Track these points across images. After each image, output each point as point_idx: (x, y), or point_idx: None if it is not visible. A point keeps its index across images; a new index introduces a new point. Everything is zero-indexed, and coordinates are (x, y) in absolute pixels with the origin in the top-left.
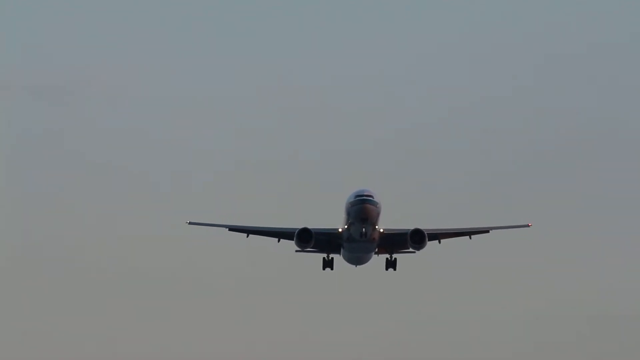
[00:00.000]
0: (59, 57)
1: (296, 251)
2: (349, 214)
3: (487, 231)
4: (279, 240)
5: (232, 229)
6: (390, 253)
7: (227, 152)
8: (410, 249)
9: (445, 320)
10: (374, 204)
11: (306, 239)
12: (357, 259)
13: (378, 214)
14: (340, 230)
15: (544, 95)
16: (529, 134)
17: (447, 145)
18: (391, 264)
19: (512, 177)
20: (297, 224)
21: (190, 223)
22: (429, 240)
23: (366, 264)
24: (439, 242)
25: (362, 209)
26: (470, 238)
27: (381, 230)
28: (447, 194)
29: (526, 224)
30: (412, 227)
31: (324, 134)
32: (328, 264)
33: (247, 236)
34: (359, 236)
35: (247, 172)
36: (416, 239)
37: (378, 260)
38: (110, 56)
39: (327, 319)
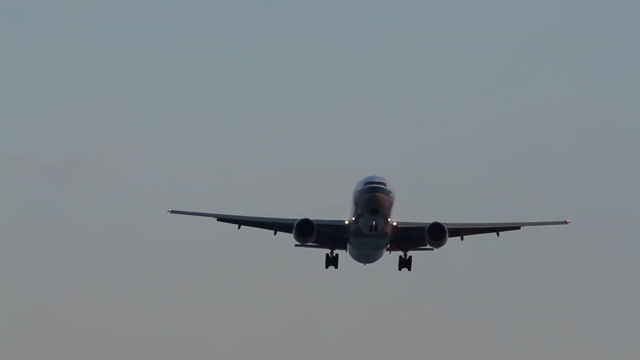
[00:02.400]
0: (66, 133)
1: (295, 246)
2: (357, 203)
3: (518, 227)
4: (275, 233)
5: (221, 218)
6: (405, 250)
7: (221, 137)
8: (428, 246)
9: (466, 329)
10: (387, 192)
11: (307, 231)
12: (365, 256)
13: (391, 205)
14: (347, 222)
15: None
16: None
17: (470, 131)
18: (405, 263)
19: (545, 167)
20: (297, 214)
21: (172, 212)
22: (449, 236)
23: (376, 262)
24: (462, 238)
25: (372, 198)
26: (497, 235)
27: (394, 223)
28: (471, 184)
29: (564, 220)
30: (430, 221)
31: (332, 117)
32: (332, 261)
33: (239, 227)
34: (369, 230)
35: (242, 156)
36: (435, 234)
37: (390, 258)
38: (116, 132)
39: (329, 324)
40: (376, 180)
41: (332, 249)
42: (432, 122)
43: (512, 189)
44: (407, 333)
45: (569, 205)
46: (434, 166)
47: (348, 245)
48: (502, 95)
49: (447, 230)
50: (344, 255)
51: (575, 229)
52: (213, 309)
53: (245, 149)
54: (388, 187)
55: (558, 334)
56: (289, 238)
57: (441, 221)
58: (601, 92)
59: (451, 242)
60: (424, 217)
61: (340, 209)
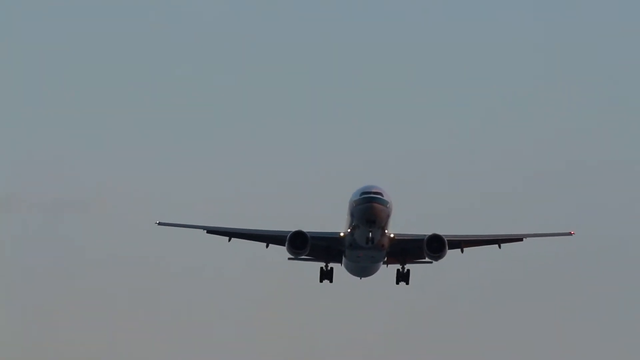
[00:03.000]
0: (70, 172)
1: (289, 259)
2: (353, 214)
3: (521, 239)
4: (267, 246)
5: (211, 231)
6: (403, 263)
7: (212, 143)
8: (427, 259)
9: (466, 346)
10: (384, 203)
11: (300, 244)
12: (361, 270)
13: (388, 216)
14: (342, 234)
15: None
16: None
17: (471, 140)
18: (403, 277)
19: (550, 177)
20: (289, 226)
21: (159, 224)
22: (449, 248)
23: (372, 276)
24: (462, 251)
25: (369, 209)
26: (499, 247)
27: (391, 235)
28: (472, 195)
29: (568, 232)
30: (429, 233)
31: (327, 126)
32: (327, 275)
33: (229, 240)
34: (365, 242)
35: (233, 165)
36: (434, 246)
37: (387, 271)
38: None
39: (323, 342)
40: (373, 190)
41: (327, 262)
42: (431, 132)
43: (514, 200)
44: (405, 350)
45: (572, 217)
46: (433, 176)
47: (343, 259)
48: (503, 104)
49: (446, 242)
50: (339, 269)
51: (580, 241)
52: (202, 327)
53: (237, 159)
54: (385, 197)
55: (564, 353)
56: (281, 251)
57: (440, 233)
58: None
59: (451, 254)
60: (422, 229)
61: (335, 221)
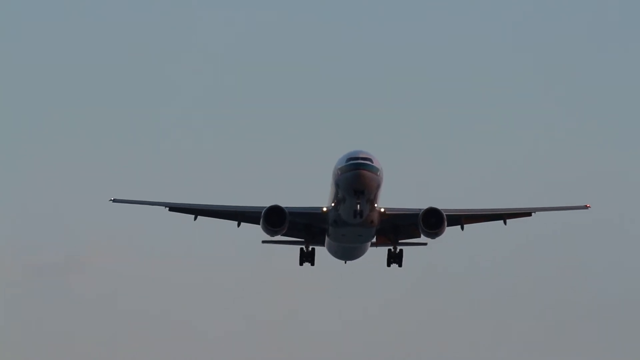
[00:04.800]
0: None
1: (263, 242)
2: (337, 185)
3: (529, 214)
4: (238, 224)
5: (174, 208)
6: (395, 243)
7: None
8: (421, 240)
9: (466, 335)
10: (374, 170)
11: (277, 221)
12: (347, 252)
13: (378, 185)
14: (324, 209)
15: None
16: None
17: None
18: (395, 258)
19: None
20: (264, 202)
21: (114, 201)
22: (448, 225)
23: (360, 259)
24: (462, 228)
25: (356, 177)
26: (505, 223)
27: (382, 209)
28: (472, 166)
29: (583, 205)
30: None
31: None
32: (307, 256)
33: (195, 219)
34: (352, 217)
35: (202, 137)
36: (431, 222)
37: (376, 252)
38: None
39: (303, 334)
40: (361, 156)
41: (308, 244)
42: (427, 92)
43: (521, 171)
44: (397, 341)
45: (587, 189)
46: (430, 144)
47: (326, 239)
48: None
49: (445, 217)
50: (321, 252)
51: (597, 215)
52: (164, 319)
53: (204, 129)
54: (375, 164)
55: (579, 345)
56: (254, 230)
57: (438, 206)
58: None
59: (450, 232)
60: (417, 204)
61: (316, 198)
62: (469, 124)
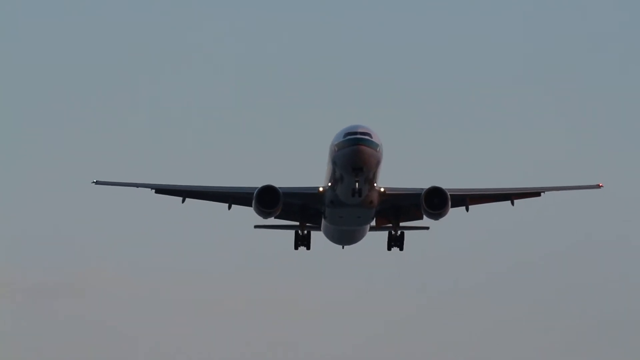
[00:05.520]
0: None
1: (255, 227)
2: (335, 162)
3: (539, 194)
4: (229, 207)
5: (161, 190)
6: (396, 225)
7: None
8: (425, 221)
9: (471, 322)
10: (373, 145)
11: (271, 202)
12: (344, 235)
13: (378, 162)
14: (321, 189)
15: None
16: None
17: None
18: (396, 241)
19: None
20: (257, 183)
21: (97, 183)
22: (452, 205)
23: (358, 244)
24: (467, 209)
25: (354, 153)
26: (512, 204)
27: (382, 189)
28: (478, 144)
29: (596, 184)
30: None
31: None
32: (303, 240)
33: (183, 201)
34: (350, 195)
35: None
36: (434, 202)
37: (375, 236)
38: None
39: (298, 323)
40: (359, 130)
41: (303, 227)
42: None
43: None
44: (397, 328)
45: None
46: (433, 120)
47: (322, 222)
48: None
49: (449, 196)
50: (318, 237)
51: (609, 195)
52: (152, 308)
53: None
54: (375, 139)
55: (592, 337)
56: (246, 213)
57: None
58: None
59: (454, 213)
60: (419, 184)
61: (311, 179)
62: (473, 102)
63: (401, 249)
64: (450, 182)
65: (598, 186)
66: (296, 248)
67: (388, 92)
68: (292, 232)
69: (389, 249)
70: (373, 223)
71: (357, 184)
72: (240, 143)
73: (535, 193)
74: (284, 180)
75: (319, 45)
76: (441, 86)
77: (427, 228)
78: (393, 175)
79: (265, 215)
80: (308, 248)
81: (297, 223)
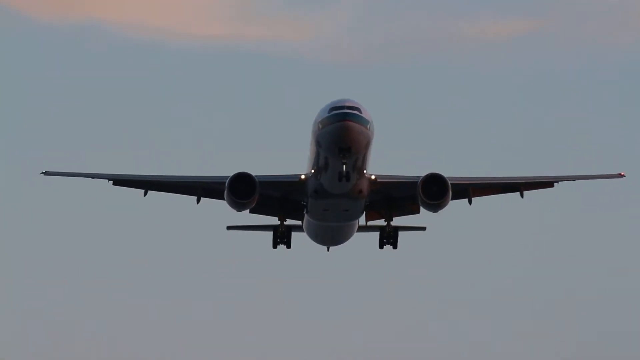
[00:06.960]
0: None
1: (228, 228)
2: (318, 142)
3: (551, 184)
4: (198, 200)
5: (119, 181)
6: (388, 220)
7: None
8: (421, 214)
9: (469, 327)
10: (363, 122)
11: (245, 192)
12: (330, 233)
13: (368, 142)
14: (302, 177)
15: None
16: None
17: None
18: (389, 239)
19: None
20: (228, 172)
21: (45, 173)
22: (453, 197)
23: (345, 244)
24: (470, 201)
25: (341, 130)
26: (521, 196)
27: (372, 177)
28: (483, 129)
29: (617, 173)
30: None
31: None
32: (282, 237)
33: (145, 194)
34: (337, 180)
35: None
36: (433, 191)
37: (364, 236)
38: None
39: (279, 330)
40: (347, 104)
41: (282, 222)
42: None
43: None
44: (390, 334)
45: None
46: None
47: (305, 218)
48: None
49: (449, 185)
50: (298, 236)
51: (633, 186)
52: (116, 312)
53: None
54: (364, 115)
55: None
56: (218, 207)
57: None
58: None
59: (455, 205)
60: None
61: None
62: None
63: (395, 246)
64: (450, 171)
65: (620, 175)
66: (274, 247)
67: (379, 67)
68: (269, 231)
69: (381, 247)
70: (362, 221)
71: (344, 166)
72: (210, 128)
73: (547, 183)
74: (260, 169)
75: None
76: (442, 60)
77: (424, 229)
78: (386, 162)
79: (240, 207)
80: (288, 247)
81: (276, 220)
